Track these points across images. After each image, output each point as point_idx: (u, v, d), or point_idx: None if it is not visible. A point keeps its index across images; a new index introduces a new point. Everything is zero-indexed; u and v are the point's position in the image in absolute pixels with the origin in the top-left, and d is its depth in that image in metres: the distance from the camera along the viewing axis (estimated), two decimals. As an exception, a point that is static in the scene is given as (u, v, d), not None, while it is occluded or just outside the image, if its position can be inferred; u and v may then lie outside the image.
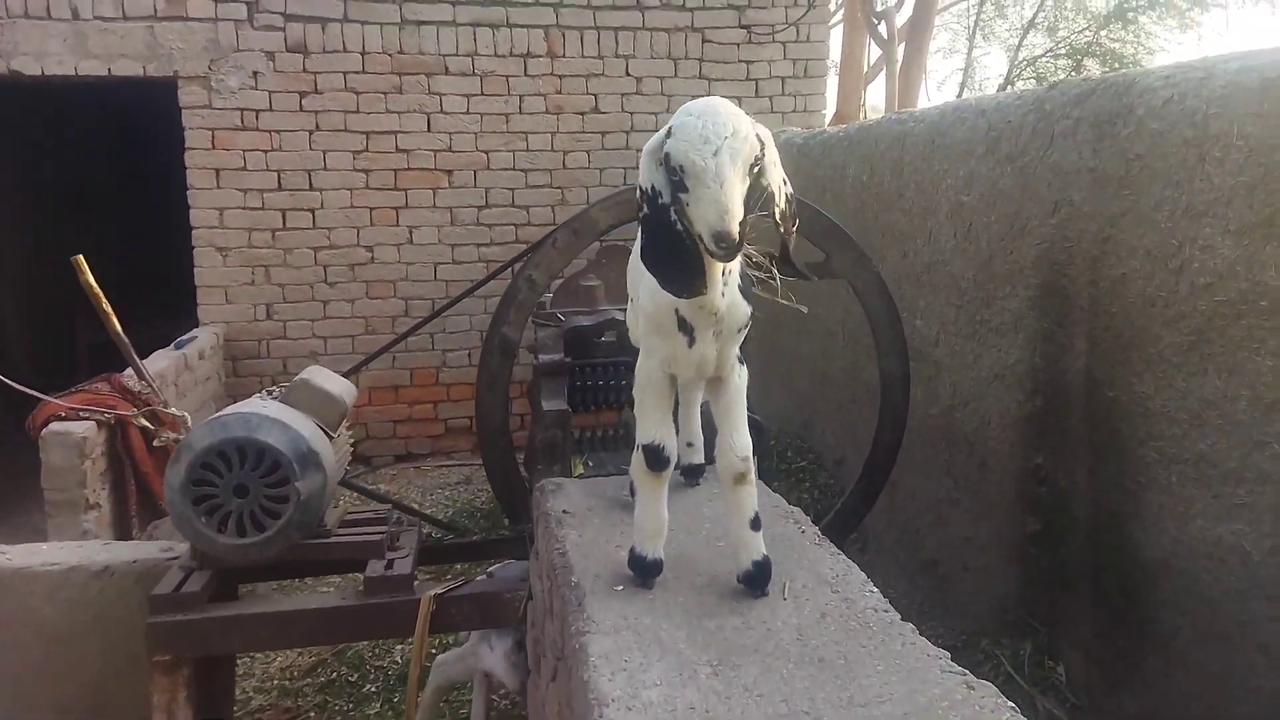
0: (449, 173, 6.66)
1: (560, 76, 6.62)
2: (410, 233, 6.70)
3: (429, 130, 6.56)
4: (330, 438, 2.52)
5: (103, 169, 9.18)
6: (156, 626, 2.33)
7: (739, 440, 1.85)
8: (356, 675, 3.95)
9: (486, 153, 6.67)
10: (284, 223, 6.52)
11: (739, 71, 6.93)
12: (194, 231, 6.41)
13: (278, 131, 6.37)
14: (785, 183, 1.75)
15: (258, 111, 6.32)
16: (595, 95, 6.73)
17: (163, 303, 7.96)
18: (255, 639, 2.40)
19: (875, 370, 4.64)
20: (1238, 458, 2.60)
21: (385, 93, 6.45)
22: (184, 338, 5.99)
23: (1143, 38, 14.79)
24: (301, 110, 6.38)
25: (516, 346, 2.87)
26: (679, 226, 1.63)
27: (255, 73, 6.27)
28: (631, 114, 6.81)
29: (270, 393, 2.61)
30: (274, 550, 2.39)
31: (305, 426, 2.41)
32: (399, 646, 4.07)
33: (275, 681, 3.95)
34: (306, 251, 6.60)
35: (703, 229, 1.55)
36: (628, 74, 6.75)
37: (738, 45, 6.86)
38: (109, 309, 4.07)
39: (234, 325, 6.60)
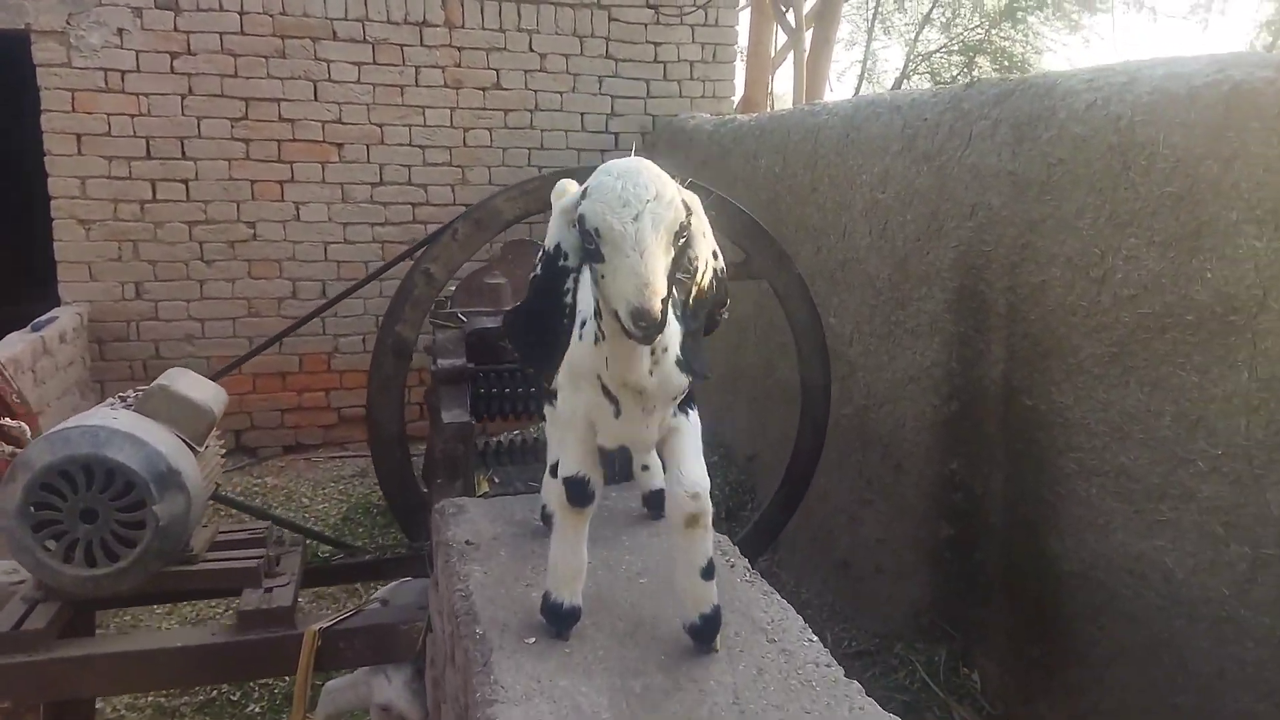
0: (339, 146, 6.24)
1: (459, 48, 6.27)
2: (297, 209, 6.27)
3: (315, 99, 6.13)
4: (195, 451, 2.22)
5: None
6: (-13, 673, 2.00)
7: (690, 474, 1.60)
8: (239, 694, 3.62)
9: (380, 126, 6.28)
10: (154, 194, 6.00)
11: (646, 53, 6.72)
12: (52, 202, 5.84)
13: (146, 95, 5.84)
14: (716, 256, 1.57)
15: (123, 72, 5.78)
16: (497, 70, 6.41)
17: (33, 280, 7.26)
18: (111, 682, 2.09)
19: (790, 369, 4.56)
20: (1160, 474, 2.57)
21: (266, 56, 5.99)
22: (42, 318, 5.44)
23: (1031, 37, 15.24)
24: (173, 72, 5.86)
25: (412, 347, 2.61)
26: (568, 299, 1.48)
27: (120, 30, 5.72)
28: (536, 92, 6.52)
29: (124, 399, 2.28)
30: (130, 582, 2.08)
31: (164, 440, 2.10)
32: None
33: (150, 698, 3.59)
34: (180, 226, 6.10)
35: (619, 305, 1.38)
36: (531, 49, 6.46)
37: (645, 25, 6.65)
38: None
39: (99, 304, 6.05)
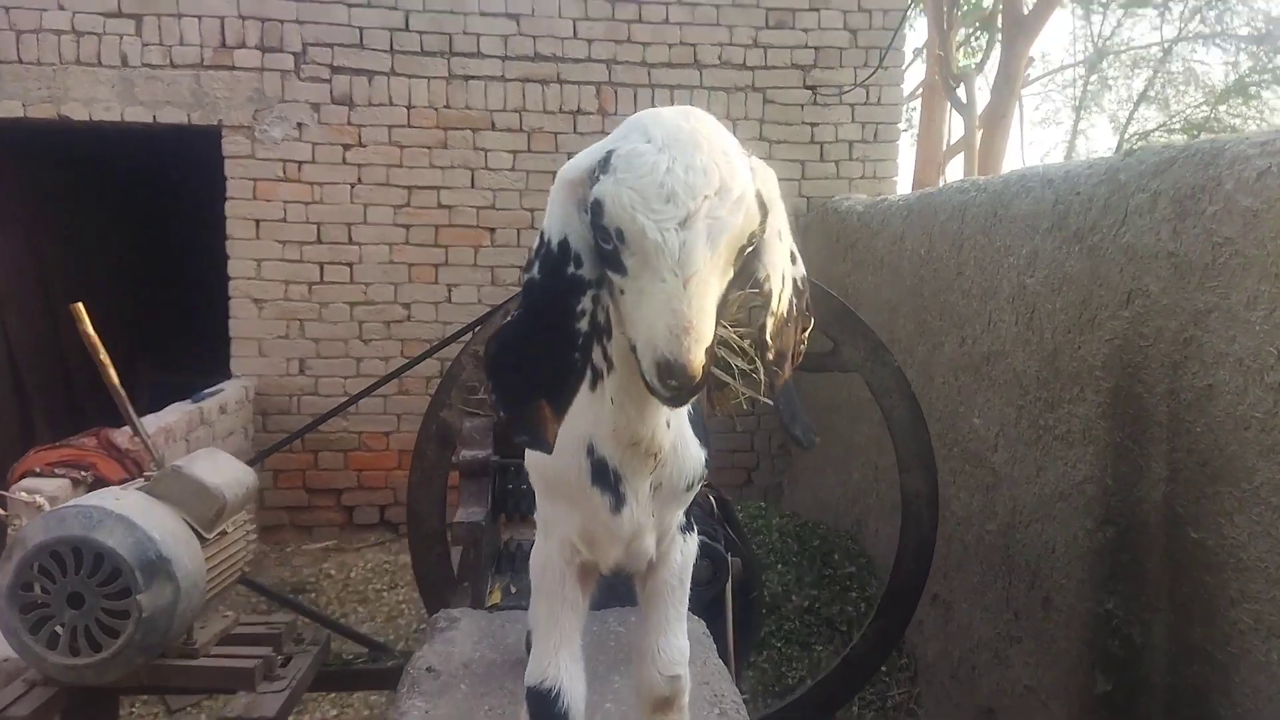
0: (491, 230, 6.37)
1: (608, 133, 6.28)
2: (449, 291, 6.42)
3: (472, 186, 6.30)
4: (203, 538, 2.12)
5: (150, 219, 9.28)
6: (-33, 758, 1.94)
7: (669, 648, 1.25)
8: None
9: (531, 211, 6.36)
10: (321, 276, 6.33)
11: (803, 134, 6.48)
12: (231, 282, 6.27)
13: (319, 184, 6.21)
14: (795, 260, 1.13)
15: (300, 163, 6.18)
16: (648, 155, 6.36)
17: (211, 356, 7.88)
18: (82, 782, 1.99)
19: (949, 466, 4.06)
20: (1360, 644, 1.95)
21: (430, 147, 6.24)
22: (206, 391, 5.79)
23: (1266, 114, 13.74)
24: (344, 163, 6.21)
25: (457, 434, 2.44)
26: (581, 325, 0.99)
27: (300, 124, 6.15)
28: (686, 176, 6.41)
29: (148, 478, 2.23)
30: (113, 674, 1.98)
31: (161, 525, 2.01)
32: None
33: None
34: (343, 306, 6.38)
35: (642, 347, 0.94)
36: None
37: (801, 106, 6.42)
38: (106, 359, 3.84)
39: (266, 379, 6.39)
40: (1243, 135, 2.49)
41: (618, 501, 1.14)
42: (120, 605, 1.93)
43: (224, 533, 2.24)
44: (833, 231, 6.02)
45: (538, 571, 1.25)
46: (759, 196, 1.00)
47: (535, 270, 1.04)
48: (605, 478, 1.13)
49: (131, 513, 1.96)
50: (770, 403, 1.32)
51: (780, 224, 1.08)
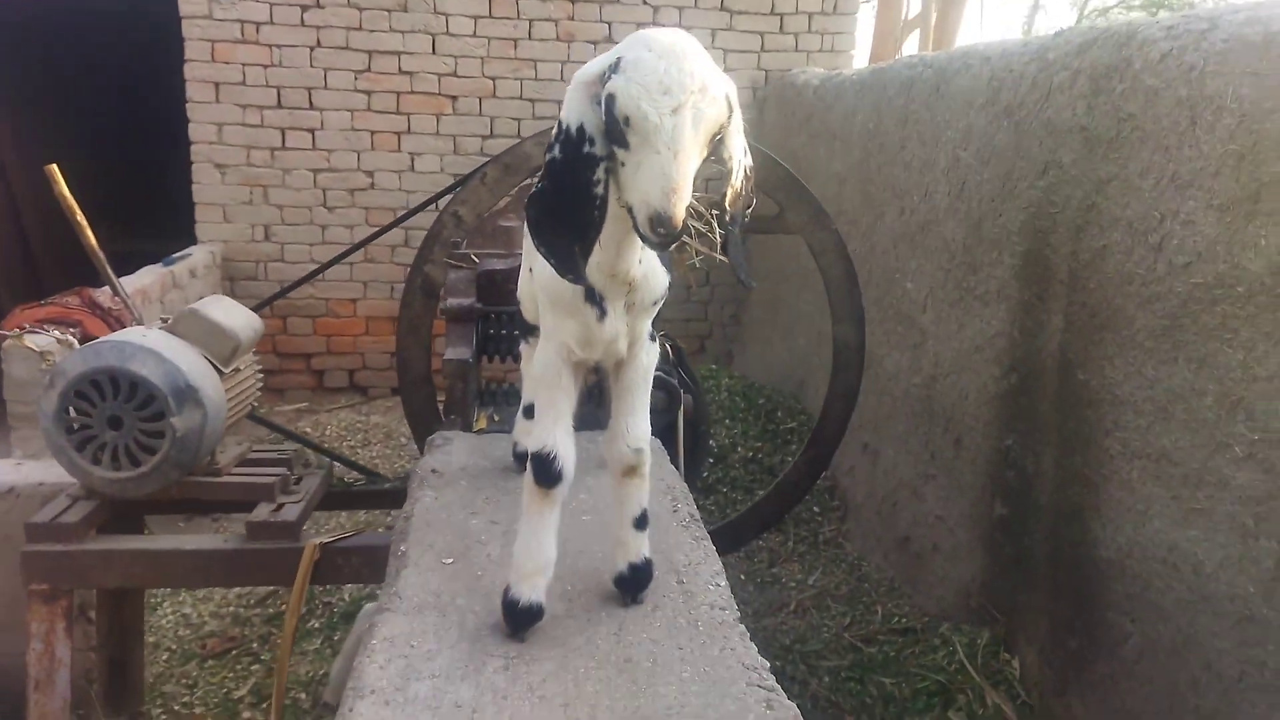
0: (453, 98, 6.44)
1: (572, 1, 6.32)
2: (412, 160, 6.53)
3: (433, 52, 6.33)
4: (221, 372, 2.40)
5: (112, 81, 9.08)
6: (31, 556, 2.26)
7: (635, 427, 1.57)
8: (305, 609, 3.91)
9: (493, 79, 6.43)
10: (283, 142, 6.39)
11: (763, 4, 6.56)
12: (192, 146, 6.31)
13: (278, 46, 6.19)
14: (746, 153, 1.42)
15: (258, 24, 6.14)
16: (609, 24, 6.43)
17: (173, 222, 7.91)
18: (130, 575, 2.31)
19: (883, 328, 4.43)
20: (1199, 459, 2.37)
21: (389, 9, 6.22)
22: (176, 255, 5.93)
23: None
24: (303, 25, 6.18)
25: (441, 287, 2.71)
26: (598, 190, 1.30)
27: (257, -17, 6.08)
28: (645, 46, 6.49)
29: (165, 320, 2.49)
30: (151, 487, 2.29)
31: (187, 359, 2.28)
32: (349, 586, 4.01)
33: (231, 609, 3.93)
34: (305, 173, 6.47)
35: (638, 204, 1.25)
36: (645, 2, 6.44)
37: (762, -23, 6.49)
38: (83, 221, 3.99)
39: (232, 244, 6.52)
40: (1153, 19, 2.76)
41: (601, 314, 1.49)
42: (156, 426, 2.22)
43: (237, 369, 2.52)
44: (789, 104, 6.21)
45: (539, 366, 1.57)
46: (727, 98, 1.30)
47: (557, 151, 1.33)
48: (593, 297, 1.48)
49: (160, 347, 2.23)
50: (721, 258, 1.68)
51: (739, 123, 1.37)
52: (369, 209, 6.57)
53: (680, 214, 1.21)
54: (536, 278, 1.58)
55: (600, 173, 1.30)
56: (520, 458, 2.05)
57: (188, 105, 6.21)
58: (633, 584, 1.59)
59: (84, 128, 8.92)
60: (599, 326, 1.49)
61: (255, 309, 5.15)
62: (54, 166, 3.88)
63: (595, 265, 1.43)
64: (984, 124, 3.56)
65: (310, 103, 6.33)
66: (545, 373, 1.54)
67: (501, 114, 6.51)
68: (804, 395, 5.79)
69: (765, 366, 6.43)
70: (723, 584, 1.60)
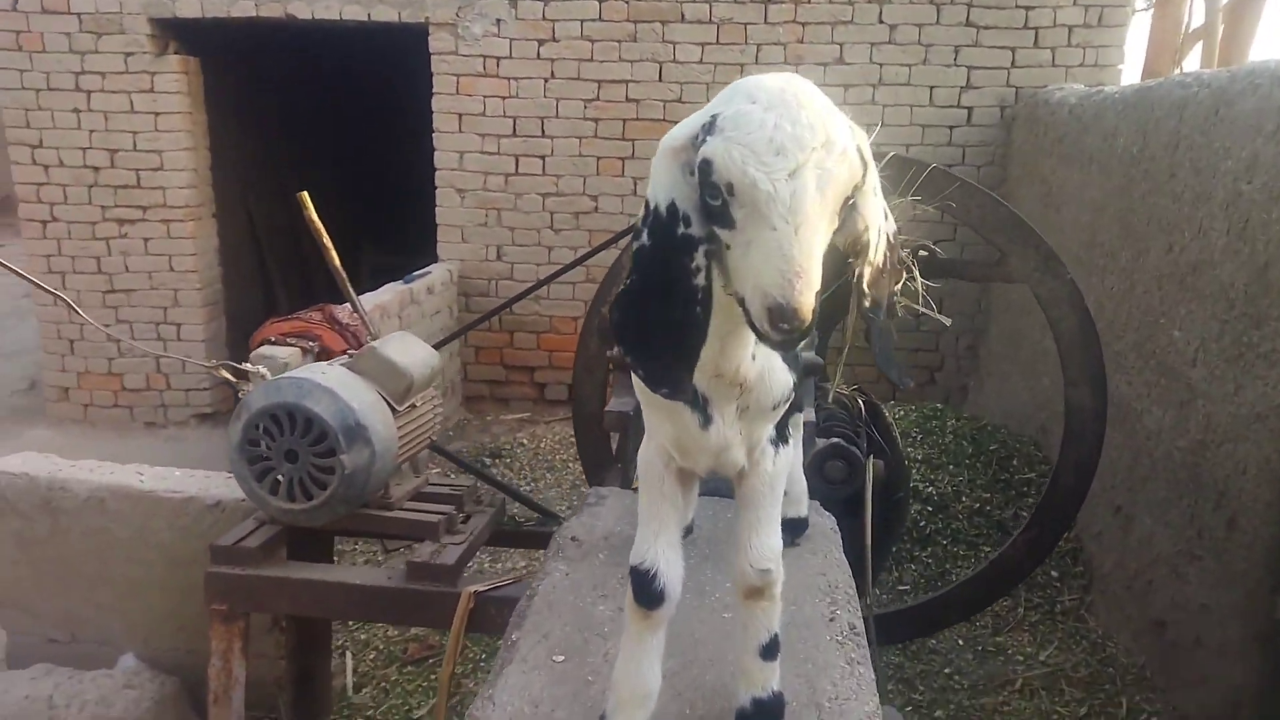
0: (677, 123, 6.39)
1: (803, 24, 6.08)
2: (635, 184, 6.55)
3: (660, 80, 6.32)
4: (394, 409, 2.41)
5: (371, 114, 9.90)
6: (213, 576, 2.37)
7: (760, 546, 1.32)
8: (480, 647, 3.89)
9: (719, 104, 6.32)
10: (516, 168, 6.62)
11: (1015, 19, 5.99)
12: (437, 173, 6.68)
13: (515, 79, 6.42)
14: (887, 215, 1.16)
15: (498, 59, 6.40)
16: (840, 45, 6.12)
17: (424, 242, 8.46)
18: (298, 603, 2.37)
19: (1144, 379, 3.86)
20: None
21: (619, 41, 6.28)
22: (416, 273, 6.30)
23: None
24: (539, 58, 6.37)
25: (619, 329, 2.60)
26: (698, 280, 1.05)
27: (498, 20, 6.34)
28: (880, 65, 6.14)
29: (352, 355, 2.54)
30: (321, 519, 2.34)
31: (361, 397, 2.31)
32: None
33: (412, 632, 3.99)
34: (535, 197, 6.66)
35: (751, 294, 0.99)
36: (880, 20, 6.07)
37: (1015, -14, 5.93)
38: (329, 243, 4.30)
39: (468, 263, 6.84)
40: None
41: (705, 420, 1.24)
42: (327, 462, 2.26)
43: (413, 406, 2.53)
44: (1041, 124, 5.62)
45: (642, 467, 1.36)
46: (859, 152, 1.05)
47: (645, 237, 1.09)
48: (695, 401, 1.23)
49: (335, 385, 2.27)
50: (925, 311, 1.40)
51: (875, 181, 1.12)
52: (593, 231, 6.65)
53: (807, 304, 0.95)
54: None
55: (699, 259, 1.05)
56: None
57: (434, 135, 6.58)
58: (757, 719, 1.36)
59: (352, 153, 9.80)
60: (703, 435, 1.24)
61: (482, 320, 5.41)
62: (304, 194, 4.18)
63: (699, 364, 1.17)
64: (1274, 154, 2.96)
65: (542, 131, 6.52)
66: (647, 475, 1.33)
67: (728, 139, 6.37)
68: (1046, 442, 5.18)
69: (1003, 407, 5.85)
70: (876, 729, 1.33)
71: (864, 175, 1.05)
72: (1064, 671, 3.81)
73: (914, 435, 5.00)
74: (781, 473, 1.36)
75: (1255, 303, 3.07)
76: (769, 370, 1.23)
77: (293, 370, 2.33)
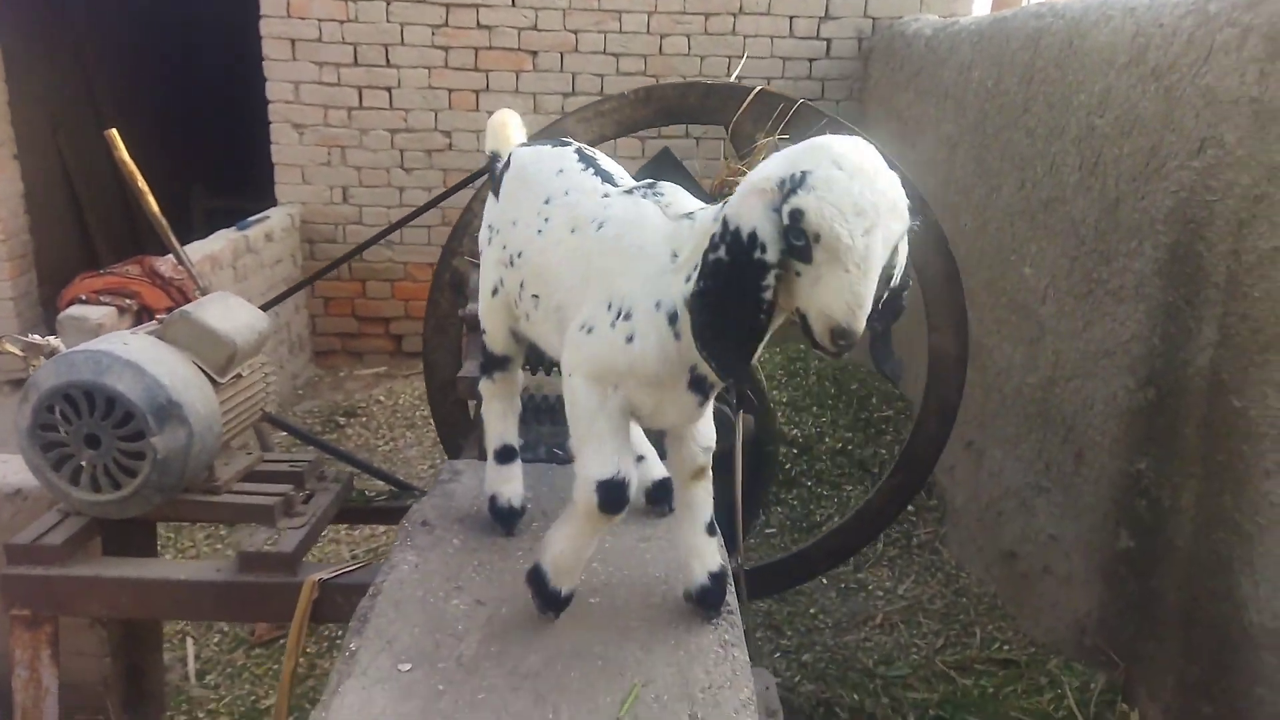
0: (533, 54, 6.08)
1: (662, -53, 5.85)
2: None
3: (513, 5, 5.96)
4: (216, 383, 2.14)
5: (198, 41, 9.06)
6: (10, 579, 2.07)
7: (703, 430, 1.57)
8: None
9: (575, 33, 6.03)
10: (360, 101, 6.16)
11: (874, -57, 5.93)
12: (270, 106, 6.15)
13: (354, 0, 5.93)
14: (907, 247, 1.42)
15: (333, -24, 5.89)
16: (699, -29, 5.93)
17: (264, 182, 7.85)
18: (114, 605, 2.10)
19: (995, 315, 3.92)
20: (1396, 531, 1.86)
21: (468, -40, 5.88)
22: (251, 218, 5.80)
23: None
24: (379, -24, 5.90)
25: (469, 285, 2.38)
26: (768, 295, 1.28)
27: (332, -68, 5.81)
28: (740, -7, 5.98)
29: (161, 321, 2.23)
30: (134, 510, 2.06)
31: (173, 370, 2.02)
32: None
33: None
34: (383, 134, 6.24)
35: (817, 316, 1.26)
36: (737, -52, 5.90)
37: (871, -90, 5.85)
38: (144, 186, 3.82)
39: (311, 206, 6.37)
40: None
41: (702, 401, 1.49)
42: (135, 447, 1.98)
43: (239, 376, 2.25)
44: (898, 57, 5.61)
45: (595, 407, 1.47)
46: (909, 210, 1.30)
47: (723, 253, 1.30)
48: (700, 387, 1.47)
49: (140, 359, 1.97)
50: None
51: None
52: (447, 170, 6.31)
53: (861, 326, 1.23)
54: (635, 352, 1.43)
55: (770, 279, 1.28)
56: (498, 513, 1.77)
57: (264, 63, 6.03)
58: (716, 595, 1.55)
59: (173, 87, 8.95)
60: (697, 410, 1.49)
61: (325, 271, 5.02)
62: (113, 131, 3.70)
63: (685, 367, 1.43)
64: (1125, 87, 2.99)
65: (387, 60, 6.08)
66: (588, 402, 1.47)
67: (584, 69, 6.12)
68: (903, 381, 5.29)
69: (863, 344, 5.93)
70: (748, 721, 1.23)
71: (909, 227, 1.32)
72: (921, 604, 3.91)
73: (779, 378, 5.01)
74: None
75: (1105, 238, 3.13)
76: None
77: (89, 342, 2.01)
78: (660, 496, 1.83)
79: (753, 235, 1.27)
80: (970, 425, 4.22)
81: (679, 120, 2.42)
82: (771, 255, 1.27)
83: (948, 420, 2.60)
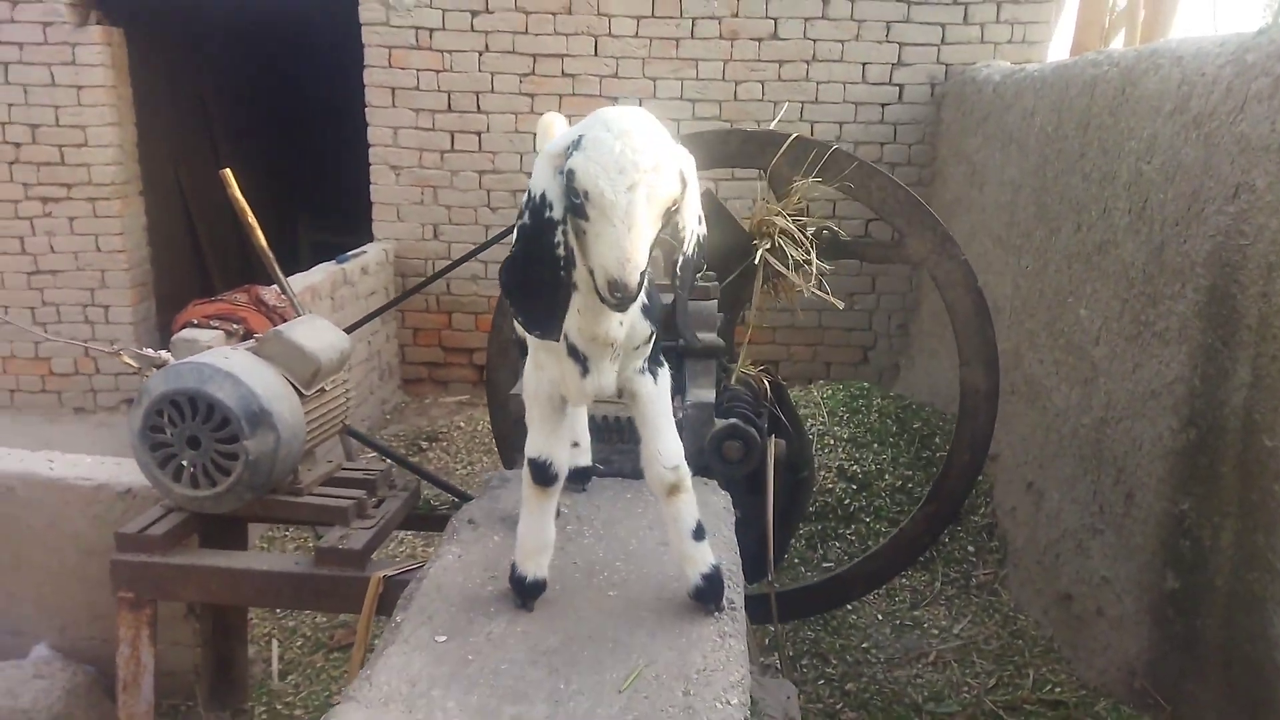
0: (614, 100, 6.37)
1: (737, -1, 6.10)
2: (572, 161, 6.52)
3: (595, 54, 6.29)
4: (302, 394, 2.41)
5: (312, 85, 9.68)
6: (118, 564, 2.36)
7: (665, 448, 1.65)
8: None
9: (653, 80, 6.31)
10: (452, 144, 6.55)
11: (944, -6, 6.06)
12: (370, 149, 6.58)
13: (449, 51, 6.35)
14: (700, 222, 1.53)
15: (431, 30, 6.31)
16: (775, 20, 6.15)
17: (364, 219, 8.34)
18: (206, 591, 2.37)
19: (1054, 357, 3.97)
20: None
21: (554, 13, 6.23)
22: (350, 253, 6.22)
23: None
24: (472, 30, 6.30)
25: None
26: (560, 251, 1.40)
27: (431, -10, 6.25)
28: (814, 41, 6.17)
29: (257, 339, 2.52)
30: (227, 506, 2.33)
31: (265, 382, 2.30)
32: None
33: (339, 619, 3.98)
34: (472, 175, 6.61)
35: (597, 270, 1.37)
36: (813, -5, 6.10)
37: (946, -37, 5.98)
38: (254, 221, 4.22)
39: (404, 243, 6.77)
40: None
41: (584, 370, 1.58)
42: (230, 449, 2.25)
43: (322, 390, 2.53)
44: (968, 103, 5.71)
45: (533, 390, 1.66)
46: (681, 174, 1.39)
47: (526, 217, 1.43)
48: (576, 354, 1.57)
49: (238, 370, 2.26)
50: (814, 291, 2.16)
51: (694, 195, 1.46)
52: (530, 210, 6.62)
53: (634, 280, 1.32)
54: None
55: (559, 235, 1.39)
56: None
57: (366, 109, 6.48)
58: (712, 592, 1.65)
59: (286, 127, 9.59)
60: (582, 381, 1.58)
61: (407, 295, 5.34)
62: (227, 171, 4.09)
63: (576, 330, 1.53)
64: (1170, 134, 3.06)
65: (478, 106, 6.46)
66: (538, 394, 1.64)
67: (661, 115, 6.33)
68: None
69: (930, 385, 5.97)
70: (734, 701, 1.39)
71: (683, 191, 1.41)
72: (976, 644, 3.92)
73: (840, 414, 5.09)
74: (664, 390, 1.68)
75: (1152, 282, 3.18)
76: (631, 327, 1.57)
77: (194, 355, 2.31)
78: (574, 478, 2.02)
79: (543, 196, 1.40)
80: (1031, 466, 4.24)
81: (721, 165, 2.61)
82: (557, 213, 1.38)
83: (979, 452, 2.70)
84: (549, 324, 1.46)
